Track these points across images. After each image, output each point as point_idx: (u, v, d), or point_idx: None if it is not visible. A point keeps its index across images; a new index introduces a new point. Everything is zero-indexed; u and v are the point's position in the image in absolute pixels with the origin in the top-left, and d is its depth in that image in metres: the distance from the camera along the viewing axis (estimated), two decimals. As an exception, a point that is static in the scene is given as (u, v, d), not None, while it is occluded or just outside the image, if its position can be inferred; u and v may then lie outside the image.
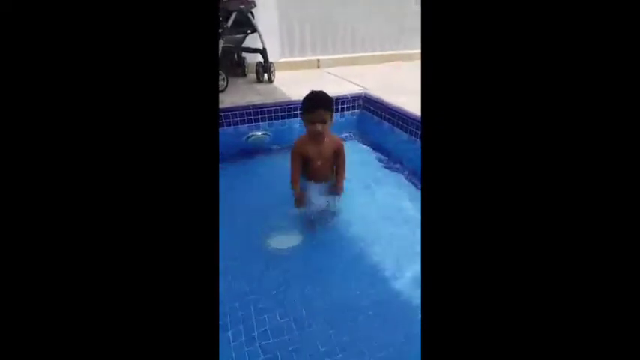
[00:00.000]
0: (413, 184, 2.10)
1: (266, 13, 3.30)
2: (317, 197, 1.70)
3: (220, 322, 1.22)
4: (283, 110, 2.50)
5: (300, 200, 1.57)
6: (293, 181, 1.63)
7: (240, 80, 3.22)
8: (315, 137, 1.52)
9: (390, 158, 2.41)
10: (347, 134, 2.72)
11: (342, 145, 1.60)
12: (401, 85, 2.90)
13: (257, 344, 1.16)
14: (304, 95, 1.55)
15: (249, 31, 3.00)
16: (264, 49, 3.06)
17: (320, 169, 1.64)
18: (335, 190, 1.59)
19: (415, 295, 1.31)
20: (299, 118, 1.54)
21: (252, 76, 3.24)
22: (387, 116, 2.51)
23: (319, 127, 1.46)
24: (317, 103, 1.46)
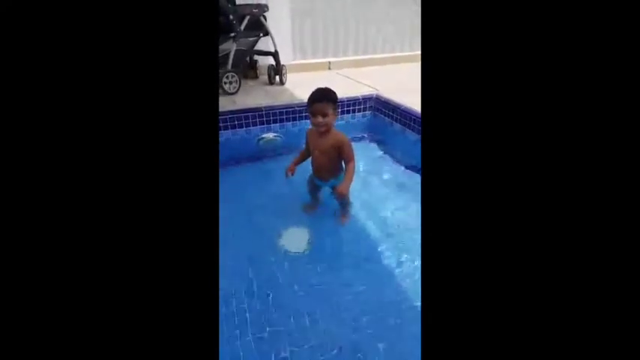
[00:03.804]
0: (424, 185, 2.08)
1: (279, 17, 3.34)
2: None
3: (231, 322, 1.24)
4: (295, 112, 2.52)
5: (289, 171, 1.71)
6: (296, 157, 1.77)
7: (253, 82, 3.27)
8: (318, 129, 1.58)
9: (402, 159, 2.41)
10: (358, 135, 2.73)
11: (344, 140, 1.60)
12: (411, 87, 2.89)
13: (267, 344, 1.17)
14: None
15: (261, 35, 3.04)
16: (276, 51, 3.10)
17: (318, 159, 1.68)
18: (338, 193, 1.60)
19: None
20: (310, 117, 1.58)
21: (264, 78, 3.28)
22: (398, 117, 2.51)
23: (319, 118, 1.54)
24: (316, 96, 1.55)
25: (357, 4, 3.79)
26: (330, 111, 1.53)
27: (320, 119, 1.53)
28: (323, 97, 1.53)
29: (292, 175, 1.71)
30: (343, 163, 1.66)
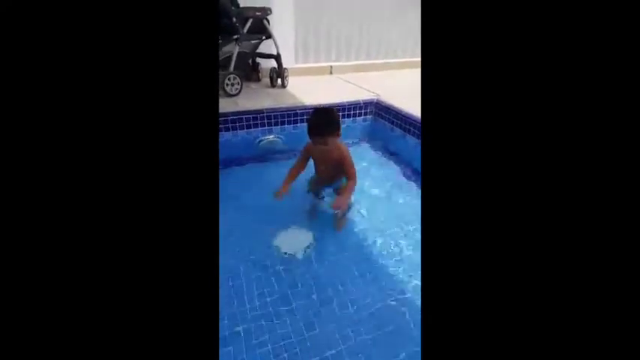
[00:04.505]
0: (423, 190, 2.08)
1: (282, 21, 3.35)
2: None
3: (229, 324, 1.24)
4: (296, 115, 2.53)
5: (279, 193, 1.61)
6: (288, 175, 1.69)
7: (254, 85, 3.28)
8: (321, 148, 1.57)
9: (402, 164, 2.41)
10: (358, 140, 2.73)
11: (346, 155, 1.61)
12: (412, 92, 2.90)
13: (266, 347, 1.17)
14: (316, 103, 1.59)
15: (264, 37, 3.06)
16: (279, 54, 3.11)
17: (324, 172, 1.70)
18: (335, 207, 1.57)
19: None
20: (311, 141, 1.56)
21: (266, 80, 3.29)
22: (398, 122, 2.52)
23: (319, 145, 1.54)
24: (312, 130, 1.51)
25: (360, 9, 3.81)
26: (330, 138, 1.51)
27: (319, 146, 1.54)
28: (319, 131, 1.50)
29: (286, 194, 1.62)
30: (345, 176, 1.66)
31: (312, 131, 1.51)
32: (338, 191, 1.73)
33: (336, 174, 1.68)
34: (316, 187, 1.82)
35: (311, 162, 1.74)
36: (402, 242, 1.67)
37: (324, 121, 1.52)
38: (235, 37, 2.78)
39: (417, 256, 1.58)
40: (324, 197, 1.85)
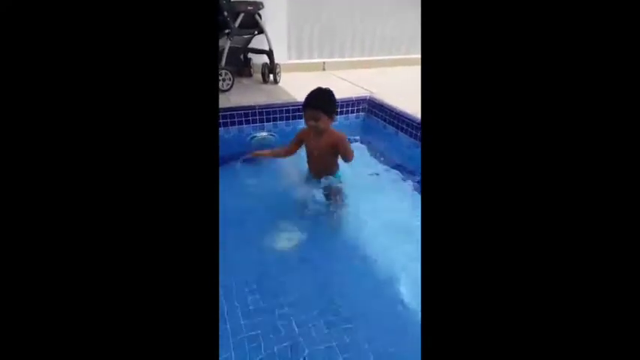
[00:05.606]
0: (417, 188, 2.10)
1: (275, 16, 3.32)
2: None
3: (225, 320, 1.23)
4: (288, 111, 2.51)
5: (253, 153, 1.72)
6: (275, 149, 1.77)
7: (246, 80, 3.24)
8: (314, 130, 1.57)
9: (395, 162, 2.41)
10: (351, 137, 2.72)
11: (342, 139, 1.61)
12: (405, 90, 2.90)
13: (258, 342, 1.16)
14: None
15: (256, 32, 3.02)
16: (271, 50, 3.08)
17: (317, 159, 1.70)
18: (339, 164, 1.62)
19: (417, 300, 1.32)
20: (304, 119, 1.58)
21: (258, 76, 3.26)
22: (391, 120, 2.52)
23: (311, 123, 1.53)
24: (308, 101, 1.53)
25: (355, 4, 3.79)
26: (323, 116, 1.52)
27: (312, 123, 1.53)
28: (314, 103, 1.52)
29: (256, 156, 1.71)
30: (342, 159, 1.67)
31: (308, 102, 1.52)
32: (332, 190, 1.73)
33: (329, 165, 1.68)
34: (308, 180, 1.81)
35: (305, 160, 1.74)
36: (395, 240, 1.67)
37: (323, 96, 1.54)
38: (226, 31, 2.75)
39: (409, 252, 1.58)
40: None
